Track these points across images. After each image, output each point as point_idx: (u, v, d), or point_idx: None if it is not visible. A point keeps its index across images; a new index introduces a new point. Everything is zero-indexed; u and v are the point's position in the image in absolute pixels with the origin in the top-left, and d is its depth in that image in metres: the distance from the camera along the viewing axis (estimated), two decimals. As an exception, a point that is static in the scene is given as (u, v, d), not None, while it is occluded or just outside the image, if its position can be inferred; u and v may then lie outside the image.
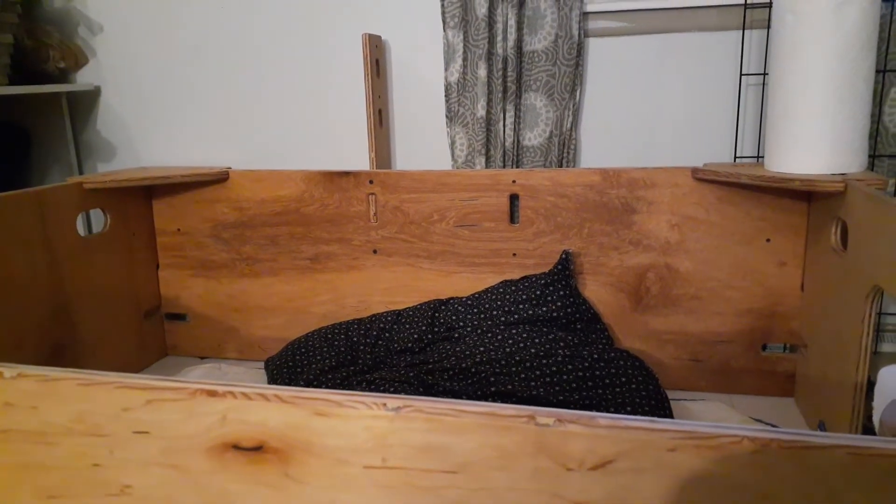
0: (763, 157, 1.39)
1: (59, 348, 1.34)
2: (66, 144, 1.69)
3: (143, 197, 1.55)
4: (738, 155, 1.44)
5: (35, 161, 1.72)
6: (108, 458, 0.48)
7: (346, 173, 1.46)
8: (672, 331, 1.38)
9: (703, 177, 1.28)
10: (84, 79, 1.71)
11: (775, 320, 1.32)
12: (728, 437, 0.39)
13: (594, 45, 1.47)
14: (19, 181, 1.71)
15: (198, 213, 1.55)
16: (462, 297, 1.41)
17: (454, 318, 1.40)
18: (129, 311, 1.52)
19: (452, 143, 1.48)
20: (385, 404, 0.43)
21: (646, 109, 1.48)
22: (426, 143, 1.57)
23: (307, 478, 0.45)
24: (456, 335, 1.38)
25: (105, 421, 0.48)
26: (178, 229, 1.57)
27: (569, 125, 1.44)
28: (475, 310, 1.38)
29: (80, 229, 1.42)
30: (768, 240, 1.30)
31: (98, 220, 1.64)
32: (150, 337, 1.59)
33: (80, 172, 1.76)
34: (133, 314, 1.53)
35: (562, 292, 1.35)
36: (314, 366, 1.40)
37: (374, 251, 1.49)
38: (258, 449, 0.45)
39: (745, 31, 1.38)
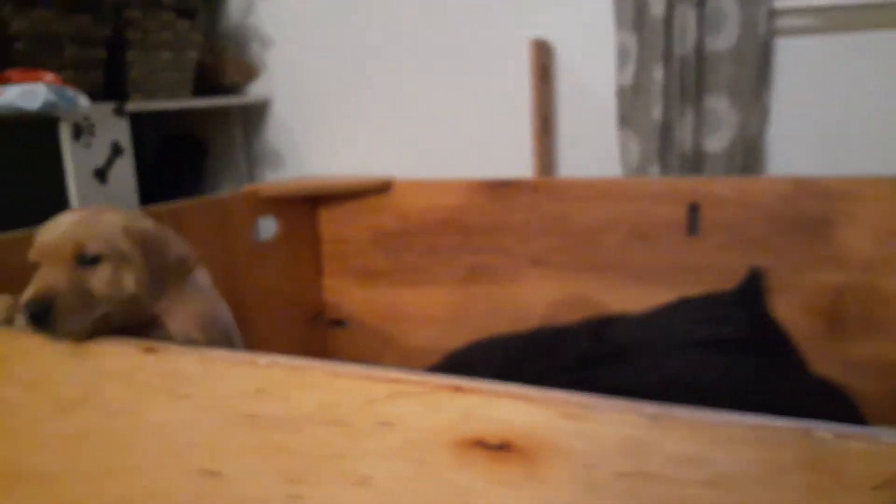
0: None
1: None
2: (239, 153, 1.85)
3: (310, 205, 1.66)
4: (958, 162, 1.32)
5: (209, 169, 1.90)
6: (351, 448, 0.52)
7: (509, 182, 1.49)
8: (875, 359, 1.28)
9: (919, 186, 1.19)
10: (256, 91, 1.86)
11: None
12: None
13: (783, 45, 1.42)
14: (196, 189, 1.89)
15: (361, 221, 1.64)
16: (632, 314, 1.39)
17: (623, 336, 1.38)
18: (294, 316, 1.63)
19: (624, 150, 1.47)
20: (641, 410, 0.44)
21: (841, 112, 1.40)
22: (593, 149, 1.58)
23: (553, 480, 0.47)
24: (626, 356, 1.36)
25: (349, 411, 0.52)
26: (342, 237, 1.67)
27: (755, 130, 1.39)
28: (648, 328, 1.36)
29: (252, 235, 1.55)
30: None
31: (266, 227, 1.78)
32: (313, 342, 1.69)
33: (251, 181, 1.92)
34: (298, 319, 1.64)
35: (748, 312, 1.30)
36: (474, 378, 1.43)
37: (536, 263, 1.50)
38: (503, 447, 0.48)
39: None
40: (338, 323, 1.71)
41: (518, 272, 1.52)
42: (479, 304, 1.57)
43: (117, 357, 0.63)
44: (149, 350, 0.61)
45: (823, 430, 0.40)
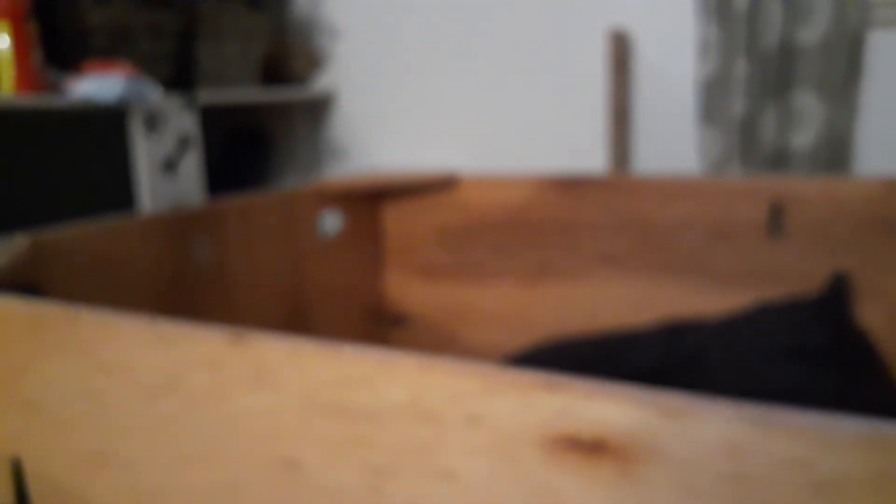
0: None
1: (298, 343, 1.50)
2: (304, 146, 1.90)
3: (373, 200, 1.69)
4: None
5: (274, 161, 1.95)
6: (437, 442, 0.54)
7: (580, 177, 1.49)
8: (973, 373, 1.23)
9: None
10: (322, 84, 1.90)
11: None
12: None
13: (876, 37, 1.37)
14: (259, 181, 1.94)
15: (425, 217, 1.66)
16: (709, 319, 1.37)
17: (699, 342, 1.36)
18: (356, 311, 1.66)
19: (703, 145, 1.45)
20: (742, 412, 0.44)
21: (941, 109, 1.35)
22: (669, 144, 1.56)
23: (651, 481, 0.47)
24: (701, 363, 1.34)
25: (437, 405, 0.53)
26: (405, 233, 1.69)
27: (843, 126, 1.35)
28: (725, 334, 1.34)
29: (317, 230, 1.58)
30: None
31: (330, 221, 1.82)
32: (374, 337, 1.72)
33: (316, 174, 1.96)
34: (360, 314, 1.67)
35: (832, 320, 1.26)
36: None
37: (606, 262, 1.50)
38: (596, 447, 0.48)
39: None
40: (400, 319, 1.74)
41: (588, 271, 1.52)
42: (546, 303, 1.57)
43: (203, 345, 0.66)
44: (233, 338, 0.63)
45: (944, 440, 0.40)
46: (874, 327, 1.29)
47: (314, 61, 1.85)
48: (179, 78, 1.69)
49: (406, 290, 1.71)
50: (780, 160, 1.41)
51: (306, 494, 0.62)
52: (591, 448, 0.49)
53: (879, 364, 1.27)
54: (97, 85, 1.31)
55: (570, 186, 1.50)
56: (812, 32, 1.37)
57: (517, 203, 1.56)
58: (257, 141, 1.95)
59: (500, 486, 0.53)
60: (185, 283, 1.25)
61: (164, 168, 1.55)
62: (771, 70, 1.36)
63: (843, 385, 1.19)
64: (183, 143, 1.58)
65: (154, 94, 1.42)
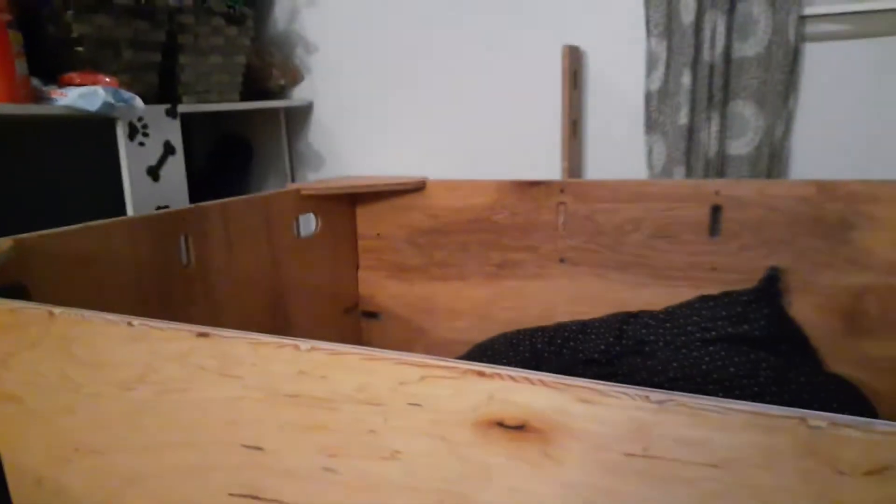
0: None
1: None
2: (282, 154, 1.91)
3: (347, 203, 1.71)
4: (982, 167, 1.31)
5: (255, 168, 1.95)
6: (383, 426, 0.56)
7: (538, 183, 1.51)
8: (892, 358, 1.28)
9: (941, 191, 1.18)
10: (299, 95, 1.91)
11: None
12: None
13: (812, 50, 1.41)
14: (243, 187, 1.95)
15: (396, 219, 1.68)
16: (654, 311, 1.41)
17: (645, 331, 1.40)
18: (331, 308, 1.68)
19: (650, 153, 1.48)
20: (648, 397, 0.46)
21: (868, 118, 1.39)
22: (619, 152, 1.59)
23: (566, 459, 0.49)
24: (647, 349, 1.37)
25: (383, 392, 0.55)
26: (378, 234, 1.71)
27: (780, 134, 1.39)
28: (668, 324, 1.37)
29: (294, 231, 1.60)
30: None
31: (306, 223, 1.83)
32: (348, 332, 1.74)
33: (293, 180, 1.97)
34: (335, 310, 1.69)
35: (766, 310, 1.30)
36: (502, 370, 1.46)
37: (562, 260, 1.52)
38: (520, 428, 0.50)
39: None
40: (372, 315, 1.76)
41: (545, 269, 1.54)
42: (507, 299, 1.60)
43: (173, 341, 0.67)
44: (202, 334, 0.65)
45: (818, 419, 0.42)
46: (805, 317, 1.33)
47: (293, 73, 1.86)
48: (162, 88, 1.69)
49: (379, 287, 1.73)
50: (720, 166, 1.44)
51: (268, 475, 0.64)
52: (515, 429, 0.51)
53: (810, 350, 1.31)
54: (79, 95, 1.31)
55: (528, 190, 1.53)
56: (752, 46, 1.41)
57: (481, 206, 1.58)
58: (240, 149, 1.96)
59: (437, 463, 0.55)
60: (170, 281, 1.26)
61: (149, 174, 1.55)
62: (714, 82, 1.40)
63: (779, 369, 1.22)
64: (167, 151, 1.58)
65: (136, 104, 1.42)
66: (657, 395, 0.46)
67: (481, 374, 0.52)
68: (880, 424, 0.41)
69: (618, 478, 0.48)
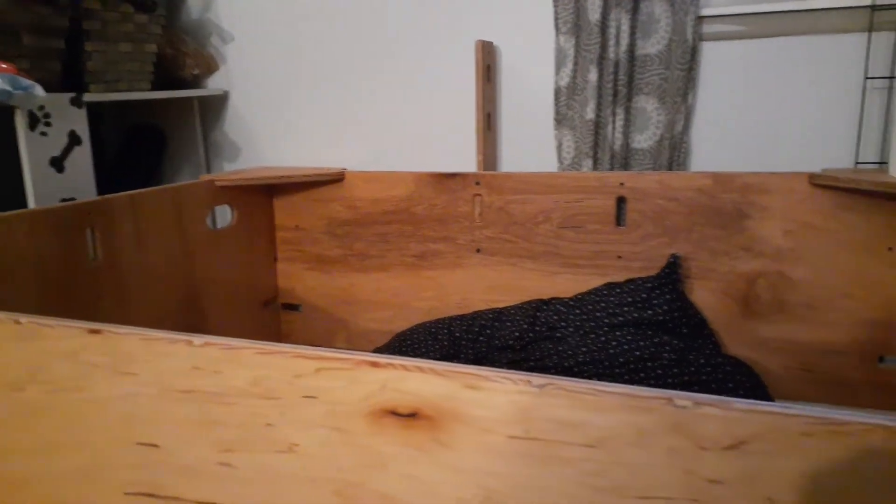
0: (887, 162, 1.35)
1: (189, 330, 1.47)
2: (197, 144, 1.85)
3: (265, 195, 1.67)
4: (859, 161, 1.40)
5: (168, 159, 1.89)
6: (280, 419, 0.55)
7: (454, 175, 1.52)
8: (782, 339, 1.36)
9: (821, 182, 1.26)
10: (214, 84, 1.86)
11: (894, 331, 1.28)
12: (862, 425, 0.41)
13: (709, 49, 1.47)
14: (155, 177, 1.88)
15: (314, 210, 1.66)
16: (565, 298, 1.44)
17: (556, 318, 1.43)
18: (249, 301, 1.64)
19: (559, 146, 1.51)
20: (530, 381, 0.48)
21: (761, 113, 1.46)
22: (532, 146, 1.62)
23: (455, 443, 0.50)
24: (558, 335, 1.41)
25: (278, 385, 0.55)
26: (296, 226, 1.68)
27: (680, 128, 1.45)
28: (578, 310, 1.41)
29: (209, 223, 1.55)
30: (890, 248, 1.26)
31: (222, 215, 1.78)
32: (268, 325, 1.71)
33: (208, 171, 1.91)
34: (253, 303, 1.66)
35: (668, 296, 1.36)
36: (418, 358, 1.47)
37: (478, 250, 1.54)
38: (412, 416, 0.51)
39: (872, 34, 1.35)
40: (292, 307, 1.73)
41: (463, 259, 1.56)
42: (427, 289, 1.61)
43: (63, 338, 0.64)
44: (93, 331, 0.62)
45: (683, 398, 0.45)
46: (704, 302, 1.40)
47: (207, 62, 1.80)
48: (67, 76, 1.61)
49: (298, 279, 1.71)
50: (625, 159, 1.49)
51: (164, 473, 0.62)
52: (407, 417, 0.52)
53: (709, 332, 1.38)
54: (-27, 83, 1.23)
55: (444, 181, 1.54)
56: (653, 44, 1.45)
57: (399, 198, 1.58)
58: (153, 138, 1.89)
59: (333, 454, 0.55)
60: (76, 277, 1.21)
61: (52, 165, 1.47)
62: (619, 78, 1.44)
63: (680, 351, 1.28)
64: (72, 141, 1.51)
65: (37, 92, 1.35)
66: (538, 379, 0.47)
67: (374, 364, 0.52)
68: (738, 403, 0.44)
69: (503, 460, 0.49)
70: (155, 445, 0.62)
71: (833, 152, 1.42)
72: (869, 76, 1.36)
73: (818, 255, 1.31)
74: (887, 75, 1.35)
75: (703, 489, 0.44)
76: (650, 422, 0.46)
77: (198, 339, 0.57)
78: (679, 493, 0.45)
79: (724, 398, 0.45)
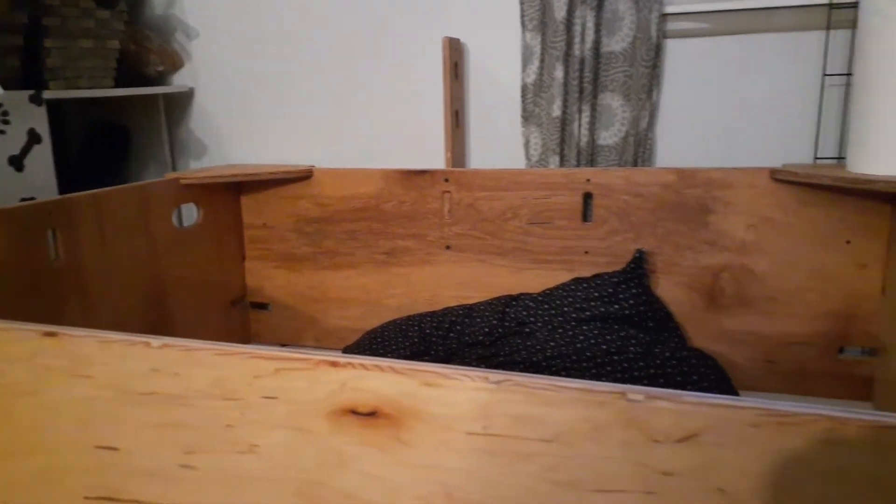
0: (845, 157, 1.38)
1: (155, 331, 1.45)
2: (162, 142, 1.82)
3: (232, 193, 1.66)
4: (818, 156, 1.43)
5: (133, 157, 1.86)
6: (240, 420, 0.55)
7: (423, 172, 1.52)
8: (746, 331, 1.38)
9: (782, 178, 1.28)
10: (179, 81, 1.83)
11: (853, 323, 1.31)
12: (809, 416, 0.42)
13: (672, 46, 1.49)
14: (119, 175, 1.85)
15: (282, 208, 1.65)
16: (533, 294, 1.45)
17: (525, 313, 1.44)
18: (217, 300, 1.63)
19: (527, 143, 1.52)
20: (487, 378, 0.48)
21: (724, 110, 1.48)
22: (500, 142, 1.62)
23: (415, 441, 0.50)
24: (527, 330, 1.42)
25: (238, 386, 0.55)
26: (264, 223, 1.67)
27: (645, 125, 1.46)
28: (546, 306, 1.42)
29: (175, 222, 1.53)
30: (848, 241, 1.29)
31: (189, 213, 1.76)
32: (236, 324, 1.69)
33: (174, 169, 1.89)
34: (220, 302, 1.64)
35: (634, 290, 1.37)
36: (389, 355, 1.47)
37: (448, 247, 1.55)
38: (372, 414, 0.51)
39: (829, 32, 1.38)
40: (261, 306, 1.72)
41: (432, 256, 1.56)
42: (396, 286, 1.60)
43: (19, 341, 0.63)
44: (49, 334, 0.61)
45: (636, 393, 0.45)
46: (670, 296, 1.42)
47: (171, 59, 1.77)
48: (26, 73, 1.57)
49: (266, 277, 1.69)
50: (591, 155, 1.50)
51: (124, 476, 0.62)
52: (368, 416, 0.52)
53: (675, 326, 1.40)
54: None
55: (413, 178, 1.54)
56: (618, 42, 1.47)
57: (368, 195, 1.58)
58: (117, 136, 1.86)
59: (294, 454, 0.55)
60: (37, 279, 1.18)
61: (11, 164, 1.44)
62: (584, 75, 1.45)
63: (646, 344, 1.30)
64: (32, 139, 1.48)
65: (-5, 90, 1.32)
66: (496, 375, 0.48)
67: (334, 363, 0.52)
68: (688, 396, 0.45)
69: (462, 456, 0.49)
70: (114, 448, 0.61)
71: (793, 148, 1.45)
72: (827, 73, 1.39)
73: (780, 249, 1.33)
74: (845, 72, 1.38)
75: (656, 481, 0.45)
76: (605, 416, 0.46)
77: (156, 340, 0.57)
78: (633, 485, 0.45)
79: (675, 391, 0.46)
